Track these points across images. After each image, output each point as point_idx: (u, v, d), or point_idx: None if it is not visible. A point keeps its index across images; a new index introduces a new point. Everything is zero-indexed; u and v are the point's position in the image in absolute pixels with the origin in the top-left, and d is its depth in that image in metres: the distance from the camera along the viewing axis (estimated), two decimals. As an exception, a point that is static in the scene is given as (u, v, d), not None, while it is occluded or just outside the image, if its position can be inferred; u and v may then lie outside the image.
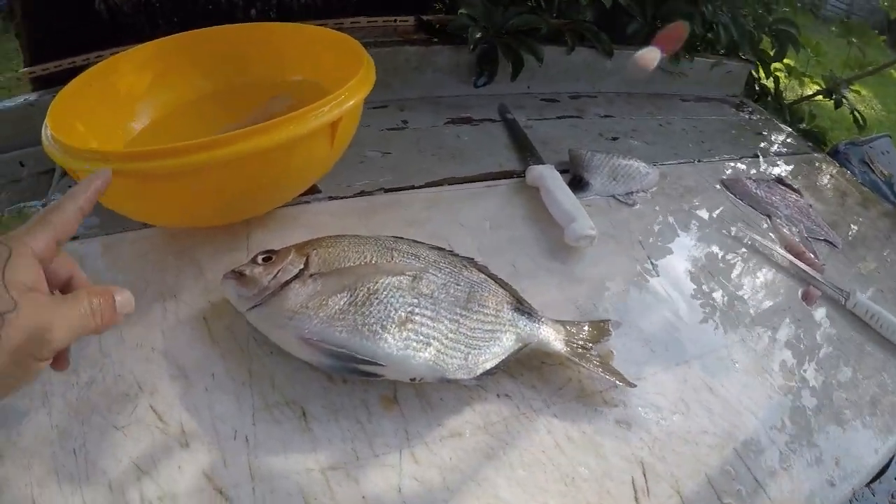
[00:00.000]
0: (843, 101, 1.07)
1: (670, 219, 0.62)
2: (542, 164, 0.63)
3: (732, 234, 0.61)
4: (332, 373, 0.38)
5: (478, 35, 0.71)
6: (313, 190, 0.55)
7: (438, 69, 0.76)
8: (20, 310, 0.26)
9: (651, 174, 0.66)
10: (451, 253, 0.45)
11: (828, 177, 0.80)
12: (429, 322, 0.37)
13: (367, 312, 0.37)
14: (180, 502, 0.33)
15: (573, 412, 0.40)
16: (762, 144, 0.82)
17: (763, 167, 0.77)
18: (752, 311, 0.53)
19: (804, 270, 0.57)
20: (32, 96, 0.62)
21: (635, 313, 0.49)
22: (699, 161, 0.74)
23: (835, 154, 0.88)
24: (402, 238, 0.45)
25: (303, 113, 0.40)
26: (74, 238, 0.48)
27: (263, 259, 0.41)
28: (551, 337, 0.40)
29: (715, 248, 0.59)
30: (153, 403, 0.37)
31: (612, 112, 0.82)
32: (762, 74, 1.05)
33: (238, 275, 0.40)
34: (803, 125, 1.03)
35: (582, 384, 0.42)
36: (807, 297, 0.56)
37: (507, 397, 0.40)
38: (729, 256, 0.59)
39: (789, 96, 1.13)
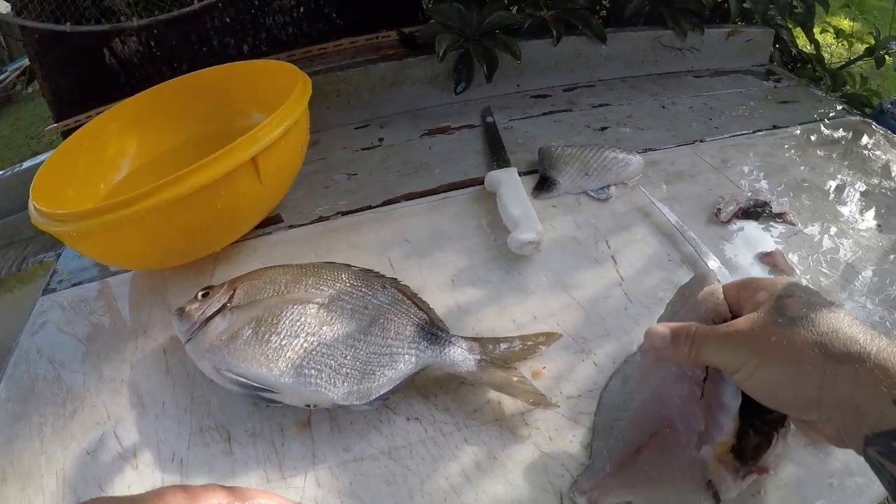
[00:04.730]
0: (886, 57, 0.89)
1: (648, 210, 0.57)
2: (507, 167, 0.61)
3: (720, 217, 0.54)
4: (248, 398, 0.41)
5: (445, 44, 0.70)
6: (276, 220, 0.59)
7: (417, 81, 0.76)
8: None
9: (633, 163, 0.61)
10: (376, 275, 0.46)
11: (866, 142, 0.67)
12: (324, 350, 0.39)
13: (266, 342, 0.40)
14: (125, 518, 0.37)
15: (487, 436, 0.38)
16: (784, 115, 0.71)
17: (780, 139, 0.67)
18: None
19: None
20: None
21: (582, 324, 0.46)
22: (700, 141, 0.67)
23: (879, 116, 0.73)
24: (332, 263, 0.47)
25: (215, 157, 0.44)
26: (76, 284, 0.56)
27: (202, 295, 0.45)
28: (458, 357, 0.40)
29: (696, 236, 0.53)
30: (116, 430, 0.43)
31: (609, 100, 0.77)
32: (800, 40, 0.90)
33: (180, 311, 0.45)
34: (847, 88, 0.88)
35: (502, 405, 0.40)
36: None
37: (417, 420, 0.40)
38: (713, 245, 0.52)
39: (837, 61, 0.96)
